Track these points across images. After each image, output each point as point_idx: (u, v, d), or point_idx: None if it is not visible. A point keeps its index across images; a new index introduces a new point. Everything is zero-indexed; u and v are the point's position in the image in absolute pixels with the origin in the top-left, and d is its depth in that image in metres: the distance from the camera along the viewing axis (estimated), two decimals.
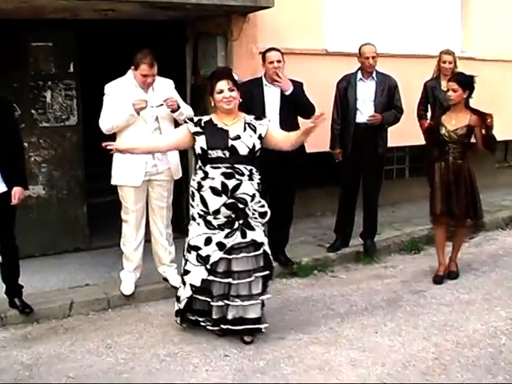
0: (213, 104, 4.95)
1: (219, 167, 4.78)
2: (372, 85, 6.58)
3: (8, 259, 5.39)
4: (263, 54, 6.24)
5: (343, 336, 5.00)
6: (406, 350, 4.74)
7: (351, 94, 6.57)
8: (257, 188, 4.87)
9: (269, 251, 4.97)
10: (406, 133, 7.20)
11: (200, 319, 5.06)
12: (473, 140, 5.99)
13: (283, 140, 5.04)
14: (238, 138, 4.83)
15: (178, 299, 5.09)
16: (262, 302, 4.99)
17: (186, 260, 4.95)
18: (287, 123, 5.89)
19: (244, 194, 4.80)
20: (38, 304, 5.54)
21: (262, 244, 4.90)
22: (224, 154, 4.78)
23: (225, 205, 4.77)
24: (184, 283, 4.98)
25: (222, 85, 4.84)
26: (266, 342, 4.90)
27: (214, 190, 4.77)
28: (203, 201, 4.81)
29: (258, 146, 4.88)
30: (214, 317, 4.93)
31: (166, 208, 5.78)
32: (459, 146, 5.90)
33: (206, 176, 4.81)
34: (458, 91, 5.81)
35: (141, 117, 5.47)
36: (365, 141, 6.53)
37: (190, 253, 4.91)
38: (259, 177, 4.93)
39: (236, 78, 4.95)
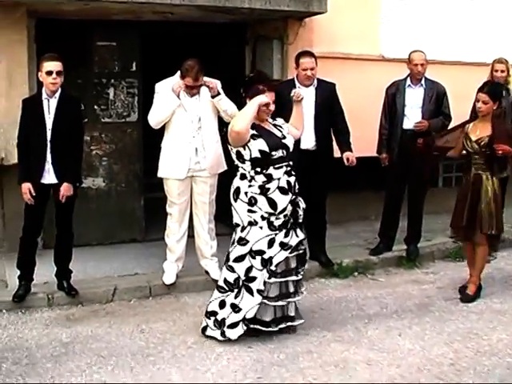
0: None
1: (281, 167, 4.93)
2: (420, 91, 6.62)
3: (63, 244, 5.77)
4: (297, 58, 6.34)
5: (366, 336, 5.11)
6: (424, 353, 4.80)
7: (400, 100, 6.63)
8: None
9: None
10: None
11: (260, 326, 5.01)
12: None
13: (297, 130, 5.35)
14: (284, 137, 5.03)
15: (219, 320, 5.03)
16: None
17: (251, 266, 4.93)
18: (322, 126, 6.07)
19: (298, 188, 5.04)
20: (85, 288, 5.91)
21: (304, 239, 5.15)
22: (283, 153, 4.96)
23: (291, 202, 4.95)
24: (250, 291, 4.93)
25: (270, 97, 4.98)
26: (291, 337, 5.07)
27: (282, 190, 4.90)
28: (271, 202, 4.88)
29: None
30: (267, 319, 4.97)
31: (209, 204, 6.02)
32: (482, 157, 5.72)
33: (269, 179, 4.89)
34: (488, 103, 5.67)
35: (186, 116, 5.76)
36: (411, 147, 6.56)
37: (254, 258, 4.93)
38: None
39: None
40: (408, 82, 6.67)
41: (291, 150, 5.04)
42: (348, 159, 6.26)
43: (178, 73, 5.85)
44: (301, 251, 5.09)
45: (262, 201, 4.91)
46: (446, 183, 9.03)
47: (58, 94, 5.50)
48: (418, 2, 8.05)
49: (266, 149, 4.88)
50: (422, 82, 6.63)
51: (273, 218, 4.94)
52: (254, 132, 4.92)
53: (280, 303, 4.99)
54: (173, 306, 5.77)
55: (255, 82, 5.09)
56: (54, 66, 5.42)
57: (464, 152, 5.93)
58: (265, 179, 4.91)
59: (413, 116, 6.60)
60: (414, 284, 6.34)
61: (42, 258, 5.94)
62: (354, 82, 7.51)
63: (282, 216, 4.94)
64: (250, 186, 4.96)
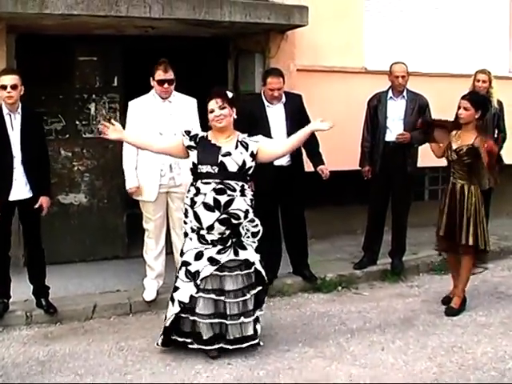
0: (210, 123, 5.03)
1: (209, 183, 4.82)
2: (402, 103, 6.59)
3: (34, 262, 5.68)
4: (264, 76, 6.22)
5: (349, 352, 5.02)
6: (407, 368, 4.72)
7: (381, 112, 6.59)
8: (250, 204, 4.92)
9: (261, 269, 5.02)
10: None
11: (187, 340, 4.97)
12: None
13: (279, 148, 5.10)
14: (228, 154, 4.87)
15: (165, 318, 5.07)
16: (258, 320, 5.12)
17: (177, 277, 5.02)
18: None
19: (237, 209, 4.85)
20: (65, 306, 5.82)
21: (253, 263, 4.98)
22: (213, 170, 4.83)
23: (218, 220, 4.82)
24: (172, 300, 4.98)
25: (212, 104, 4.92)
26: (272, 354, 4.97)
27: (206, 206, 4.81)
28: (197, 217, 4.85)
29: (249, 164, 4.92)
30: (205, 337, 4.88)
31: None
32: (460, 166, 5.67)
33: (198, 192, 4.87)
34: (469, 110, 5.62)
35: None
36: (394, 159, 6.54)
37: (180, 269, 4.97)
38: (251, 193, 4.99)
39: (230, 95, 5.02)
40: (390, 93, 6.63)
41: (230, 169, 4.85)
42: (323, 172, 6.18)
43: (152, 90, 5.85)
44: (243, 272, 4.95)
45: (190, 213, 4.91)
46: (431, 196, 9.01)
47: (19, 109, 5.41)
48: (401, 14, 8.08)
49: (195, 161, 4.89)
50: (404, 93, 6.60)
51: (203, 232, 4.88)
52: (192, 144, 4.94)
53: (211, 321, 4.90)
54: (153, 323, 5.66)
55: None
56: (9, 79, 5.31)
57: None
58: (195, 191, 4.89)
59: (395, 128, 6.55)
60: (399, 298, 6.26)
61: (23, 275, 5.84)
62: (336, 95, 7.52)
63: (215, 232, 4.86)
64: (186, 196, 5.01)
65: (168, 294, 5.98)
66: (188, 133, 5.03)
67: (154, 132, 5.68)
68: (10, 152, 5.35)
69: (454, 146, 5.71)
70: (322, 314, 5.84)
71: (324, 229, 7.90)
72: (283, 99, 6.18)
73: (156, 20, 6.28)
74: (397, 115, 6.56)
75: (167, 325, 4.97)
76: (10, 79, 5.30)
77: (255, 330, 5.03)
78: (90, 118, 7.24)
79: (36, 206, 5.46)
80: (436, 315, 5.74)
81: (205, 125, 5.29)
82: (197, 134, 5.03)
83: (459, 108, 5.74)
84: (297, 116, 6.11)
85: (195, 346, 4.94)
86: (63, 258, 7.01)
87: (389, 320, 5.66)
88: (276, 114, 6.10)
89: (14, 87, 5.29)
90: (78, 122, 7.19)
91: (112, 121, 5.11)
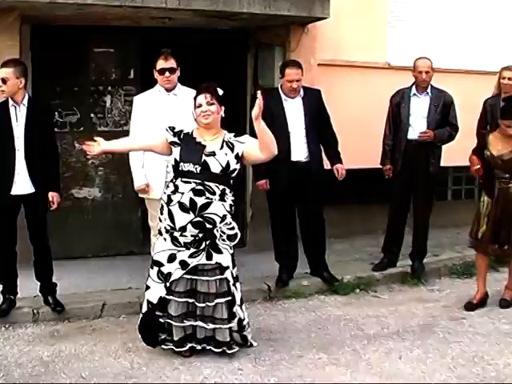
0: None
1: (189, 182, 4.65)
2: (426, 100, 6.33)
3: (41, 259, 5.51)
4: (282, 67, 6.02)
5: (365, 359, 4.80)
6: (426, 379, 4.48)
7: (404, 109, 6.35)
8: (228, 210, 4.71)
9: (230, 279, 4.78)
10: (466, 152, 6.86)
11: (162, 336, 4.86)
12: None
13: (260, 150, 4.75)
14: (212, 154, 4.68)
15: None
16: (248, 324, 4.97)
17: (148, 276, 4.86)
18: (313, 137, 5.87)
19: (213, 214, 4.65)
20: (73, 303, 5.68)
21: (227, 268, 4.76)
22: (195, 169, 4.65)
23: (191, 223, 4.64)
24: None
25: (201, 99, 4.73)
26: (284, 359, 4.78)
27: (181, 206, 4.63)
28: (171, 216, 4.67)
29: (233, 166, 4.72)
30: (175, 338, 4.77)
31: None
32: (506, 171, 5.51)
33: (176, 190, 4.70)
34: None
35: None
36: (416, 158, 6.31)
37: (152, 268, 4.82)
38: (232, 198, 4.78)
39: (220, 92, 4.81)
40: (413, 90, 6.38)
41: (213, 170, 4.65)
42: (338, 171, 5.99)
43: (157, 85, 5.68)
44: (215, 277, 4.72)
45: (165, 211, 4.74)
46: (455, 196, 8.76)
47: (25, 101, 5.23)
48: (426, 8, 7.84)
49: (178, 158, 4.72)
50: (428, 90, 6.35)
51: (176, 234, 4.69)
52: (176, 140, 4.78)
53: (181, 324, 4.75)
54: None
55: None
56: (1, 73, 5.12)
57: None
58: (173, 189, 4.73)
59: (417, 126, 6.31)
60: (418, 302, 6.03)
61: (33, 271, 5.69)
62: (358, 91, 7.33)
63: (188, 235, 4.67)
64: (164, 193, 4.86)
65: None
66: (172, 128, 4.85)
67: (159, 126, 5.49)
68: (12, 145, 5.19)
69: (496, 153, 5.55)
70: (338, 317, 5.64)
71: (344, 228, 7.71)
72: (301, 93, 5.98)
73: (172, 11, 6.10)
74: (420, 113, 6.32)
75: (138, 323, 4.91)
76: (2, 73, 5.12)
77: (228, 341, 4.82)
78: (106, 110, 7.11)
79: (52, 206, 5.35)
80: (457, 322, 5.51)
81: None
82: (181, 130, 4.84)
83: (508, 127, 5.51)
84: (315, 111, 5.92)
85: (169, 346, 4.83)
86: (76, 253, 6.92)
87: (407, 326, 5.44)
88: (294, 109, 5.89)
89: (4, 81, 5.11)
90: (93, 115, 7.07)
91: (95, 137, 4.94)
